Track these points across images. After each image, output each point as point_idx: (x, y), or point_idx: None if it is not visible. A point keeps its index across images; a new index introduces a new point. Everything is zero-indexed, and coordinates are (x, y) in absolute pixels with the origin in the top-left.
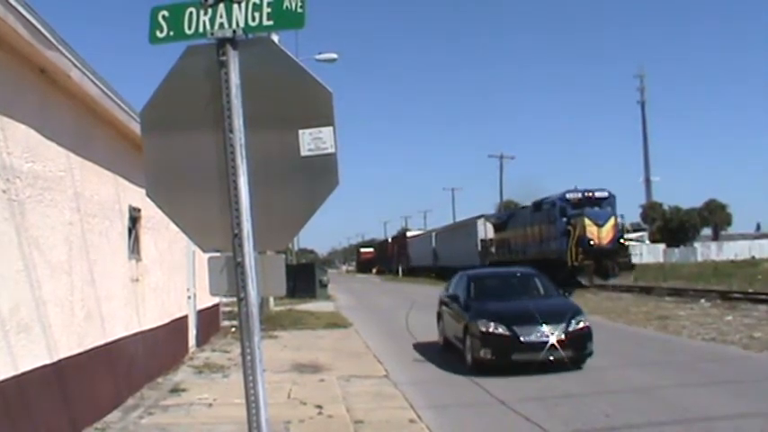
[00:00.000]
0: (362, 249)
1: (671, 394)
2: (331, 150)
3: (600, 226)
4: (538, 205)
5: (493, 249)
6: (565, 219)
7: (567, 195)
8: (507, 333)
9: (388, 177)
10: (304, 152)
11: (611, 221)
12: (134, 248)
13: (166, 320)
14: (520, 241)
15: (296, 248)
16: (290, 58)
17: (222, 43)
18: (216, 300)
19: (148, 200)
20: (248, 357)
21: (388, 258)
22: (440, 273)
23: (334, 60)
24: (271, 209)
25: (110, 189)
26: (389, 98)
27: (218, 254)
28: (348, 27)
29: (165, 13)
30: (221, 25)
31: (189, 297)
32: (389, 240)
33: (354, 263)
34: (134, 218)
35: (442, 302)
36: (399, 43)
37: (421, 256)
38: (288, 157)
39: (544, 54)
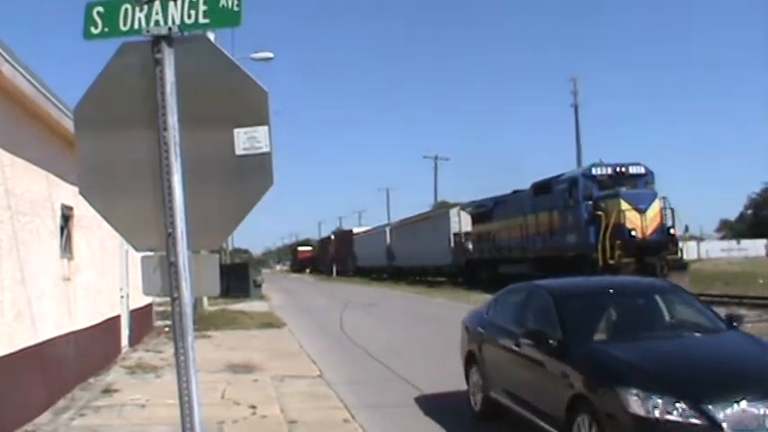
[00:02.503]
0: (300, 248)
1: None
2: (266, 150)
3: (642, 211)
4: (543, 186)
5: (470, 246)
6: (589, 202)
7: (593, 171)
8: (699, 421)
9: (323, 178)
10: (239, 151)
11: (656, 205)
12: (66, 247)
13: (98, 320)
14: (514, 234)
15: (230, 248)
16: (225, 57)
17: (157, 40)
18: (149, 299)
19: (81, 198)
20: (181, 357)
21: (331, 257)
22: (396, 274)
23: (269, 59)
24: (205, 208)
25: (42, 187)
26: (324, 98)
27: (151, 253)
28: (285, 26)
29: (100, 9)
30: (157, 22)
31: (122, 297)
32: (332, 237)
33: (289, 263)
34: (66, 216)
35: (476, 335)
36: (336, 43)
37: (371, 255)
38: (222, 156)
39: (483, 53)
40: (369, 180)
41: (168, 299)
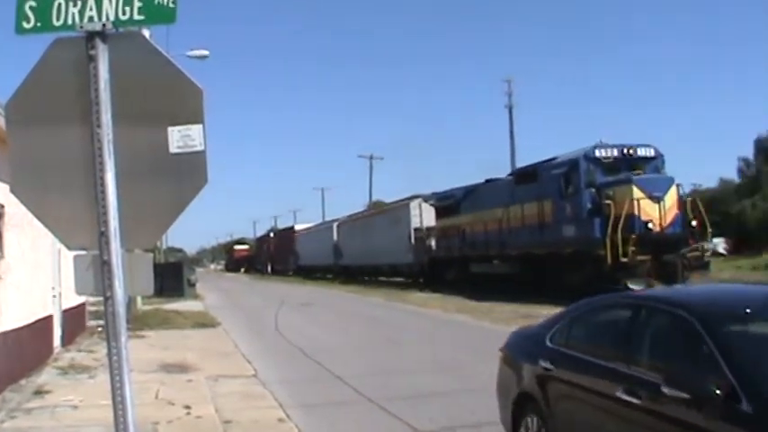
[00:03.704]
0: (237, 247)
1: None
2: (200, 148)
3: (658, 200)
4: (528, 173)
5: (432, 243)
6: (592, 190)
7: (597, 152)
8: None
9: (257, 177)
10: (173, 149)
11: (674, 193)
12: None
13: (30, 320)
14: (490, 228)
15: (164, 247)
16: (160, 54)
17: (91, 36)
18: (82, 299)
19: (12, 196)
20: (115, 358)
21: (270, 256)
22: (343, 274)
23: (205, 57)
24: (138, 206)
25: None
26: (259, 97)
27: (84, 252)
28: (220, 25)
29: (33, 3)
30: (91, 18)
31: (54, 296)
32: (271, 235)
33: (224, 262)
34: None
35: (535, 370)
36: (271, 43)
37: (315, 254)
38: (156, 154)
39: (420, 54)
40: (304, 179)
41: (101, 298)
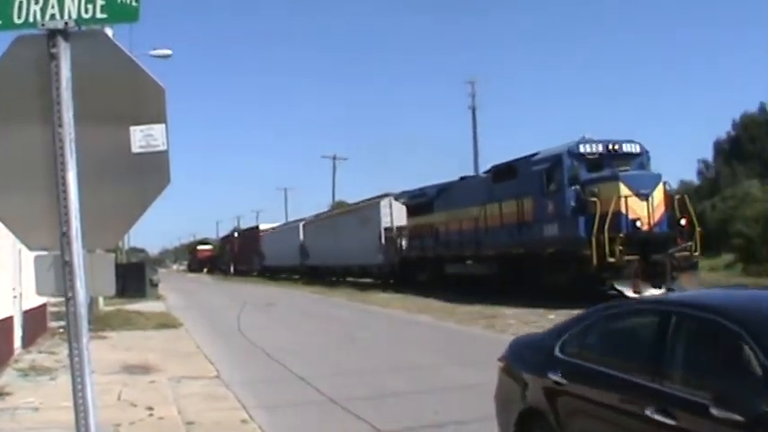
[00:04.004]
0: (200, 247)
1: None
2: (162, 148)
3: (645, 198)
4: (506, 170)
5: (403, 242)
6: (576, 186)
7: (581, 148)
8: None
9: (220, 177)
10: (135, 149)
11: (661, 190)
12: None
13: None
14: (465, 228)
15: (126, 247)
16: (123, 53)
17: (53, 34)
18: (43, 299)
19: None
20: (76, 359)
21: (234, 256)
22: (310, 275)
23: (168, 56)
24: (100, 206)
25: None
26: (222, 97)
27: (45, 252)
28: (183, 23)
29: None
30: (53, 16)
31: (14, 297)
32: (235, 235)
33: (186, 262)
34: None
35: (543, 383)
36: (235, 42)
37: (281, 254)
38: (119, 154)
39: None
40: (267, 180)
41: (63, 299)
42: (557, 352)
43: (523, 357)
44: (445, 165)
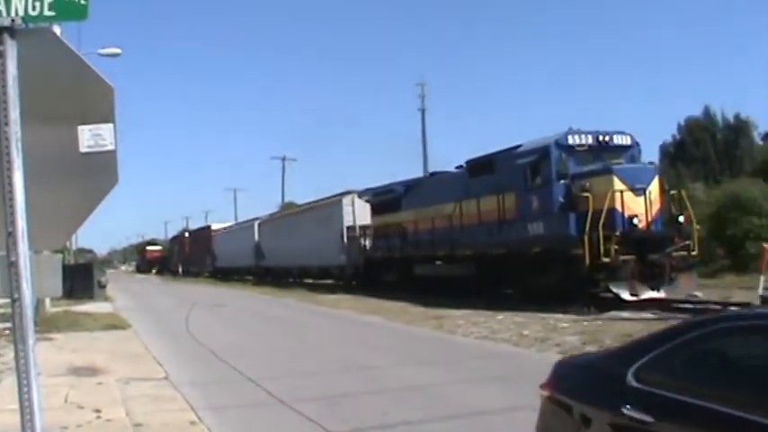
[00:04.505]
0: (149, 247)
1: (446, 391)
2: (111, 148)
3: (641, 193)
4: (484, 163)
5: (366, 242)
6: (564, 181)
7: (570, 139)
8: None
9: (169, 177)
10: (83, 149)
11: (657, 184)
12: None
13: None
14: (438, 226)
15: (74, 248)
16: (71, 51)
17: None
18: None
19: None
20: (22, 361)
21: (185, 257)
22: (266, 276)
23: (117, 55)
24: (47, 206)
25: None
26: (169, 96)
27: None
28: (139, 24)
29: None
30: None
31: None
32: (186, 235)
33: (135, 263)
34: None
35: (614, 418)
36: (184, 40)
37: (234, 254)
38: (66, 154)
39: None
40: (216, 180)
41: (8, 300)
42: (631, 380)
43: (579, 385)
44: (396, 166)
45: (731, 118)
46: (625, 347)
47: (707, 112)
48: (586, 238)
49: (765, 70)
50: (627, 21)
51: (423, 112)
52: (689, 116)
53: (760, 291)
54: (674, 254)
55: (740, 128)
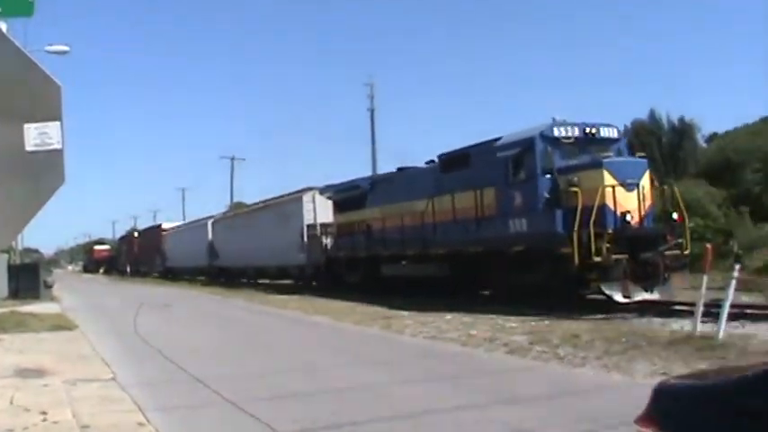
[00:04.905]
0: (96, 247)
1: (394, 390)
2: (57, 146)
3: (632, 188)
4: (459, 157)
5: (327, 241)
6: (550, 176)
7: (555, 131)
8: None
9: (116, 176)
10: (29, 147)
11: (648, 179)
12: None
13: None
14: (408, 224)
15: (20, 248)
16: (16, 48)
17: None
18: None
19: None
20: None
21: (134, 257)
22: (219, 277)
23: (65, 53)
24: None
25: None
26: (118, 94)
27: None
28: (87, 22)
29: None
30: None
31: None
32: (135, 235)
33: (82, 263)
34: None
35: None
36: (134, 41)
37: (186, 254)
38: (11, 152)
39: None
40: (164, 180)
41: None
42: None
43: (697, 420)
44: (344, 165)
45: (676, 121)
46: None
47: (652, 115)
48: (575, 235)
49: (709, 72)
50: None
51: (372, 112)
52: (635, 119)
53: (703, 291)
54: (667, 252)
55: (684, 130)
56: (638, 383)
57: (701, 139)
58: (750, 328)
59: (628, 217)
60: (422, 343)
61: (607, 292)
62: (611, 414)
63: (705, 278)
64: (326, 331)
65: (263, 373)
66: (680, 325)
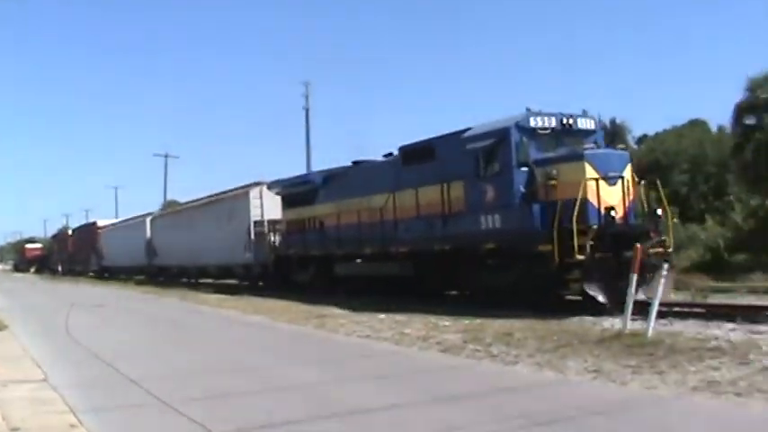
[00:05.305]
0: (28, 246)
1: (329, 389)
2: None
3: (614, 181)
4: (423, 150)
5: (275, 239)
6: (526, 169)
7: (532, 121)
8: None
9: (47, 174)
10: None
11: (630, 172)
12: None
13: None
14: (365, 220)
15: None
16: None
17: None
18: None
19: None
20: None
21: (68, 255)
22: (158, 276)
23: None
24: None
25: None
26: (47, 91)
27: None
28: (11, 18)
29: None
30: None
31: None
32: (69, 233)
33: (12, 262)
34: None
35: None
36: (65, 38)
37: (124, 253)
38: None
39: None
40: (97, 178)
41: None
42: None
43: None
44: (281, 163)
45: (607, 122)
46: None
47: (585, 116)
48: (555, 232)
49: (640, 73)
50: (498, 26)
51: (307, 111)
52: None
53: (632, 290)
54: (652, 249)
55: (616, 132)
56: (569, 381)
57: (631, 141)
58: (678, 326)
59: (613, 213)
60: (356, 342)
61: (591, 293)
62: (545, 411)
63: (634, 277)
64: (261, 330)
65: (196, 373)
66: (610, 323)
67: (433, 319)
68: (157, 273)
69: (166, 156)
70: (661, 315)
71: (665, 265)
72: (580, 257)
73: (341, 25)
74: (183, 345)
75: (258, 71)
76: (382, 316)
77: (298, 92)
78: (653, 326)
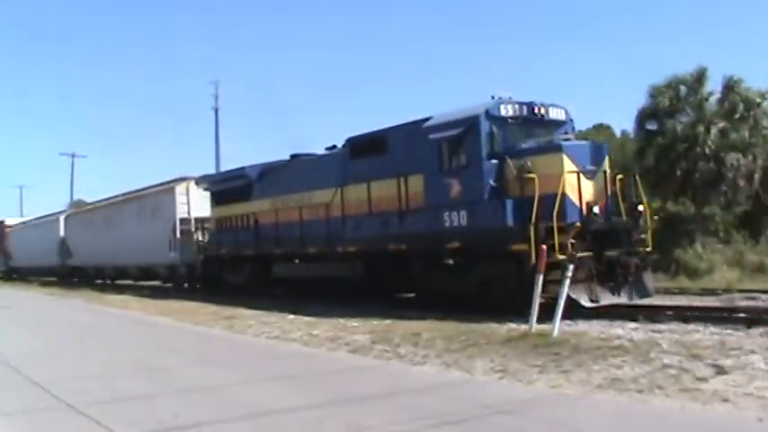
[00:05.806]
0: None
1: (237, 391)
2: None
3: (592, 175)
4: (374, 141)
5: (203, 238)
6: (496, 161)
7: (503, 109)
8: None
9: None
10: None
11: (607, 165)
12: None
13: None
14: (307, 218)
15: None
16: None
17: None
18: None
19: None
20: None
21: None
22: (72, 277)
23: None
24: None
25: None
26: None
27: None
28: None
29: None
30: None
31: None
32: None
33: None
34: None
35: None
36: None
37: (34, 253)
38: None
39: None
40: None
41: None
42: None
43: None
44: (190, 161)
45: None
46: None
47: None
48: (532, 230)
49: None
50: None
51: (216, 111)
52: None
53: (538, 290)
54: (632, 248)
55: None
56: (477, 380)
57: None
58: (582, 326)
59: (596, 209)
60: (264, 343)
61: (573, 295)
62: (453, 410)
63: (540, 277)
64: (168, 332)
65: (102, 375)
66: (516, 323)
67: (342, 320)
68: (72, 273)
69: (73, 155)
70: (566, 315)
71: (570, 266)
72: (561, 257)
73: (249, 22)
74: (88, 346)
75: (170, 68)
76: (291, 317)
77: (209, 91)
78: (558, 326)
